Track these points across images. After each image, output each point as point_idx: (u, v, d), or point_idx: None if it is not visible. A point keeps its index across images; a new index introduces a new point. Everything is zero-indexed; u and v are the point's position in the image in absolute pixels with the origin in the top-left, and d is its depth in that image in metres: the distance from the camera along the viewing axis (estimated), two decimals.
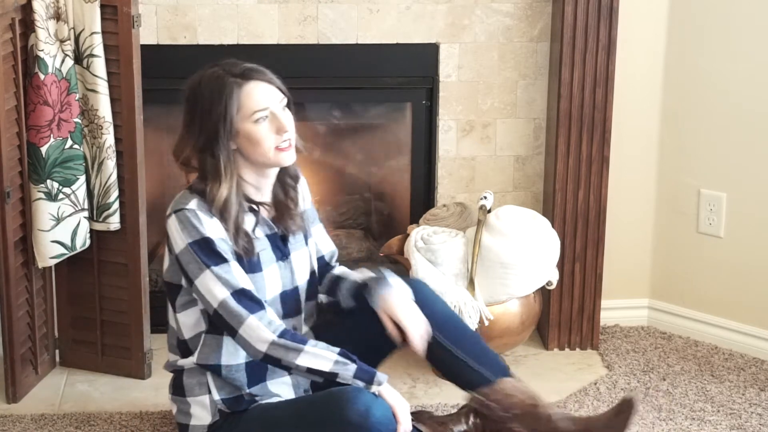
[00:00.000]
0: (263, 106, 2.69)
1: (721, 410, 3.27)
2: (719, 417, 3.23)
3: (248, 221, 2.76)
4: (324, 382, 2.64)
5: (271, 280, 2.78)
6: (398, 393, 2.66)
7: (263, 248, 2.77)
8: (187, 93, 2.74)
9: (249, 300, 2.65)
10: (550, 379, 3.46)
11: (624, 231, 3.74)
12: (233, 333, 2.65)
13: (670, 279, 3.78)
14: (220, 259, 2.65)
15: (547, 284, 3.41)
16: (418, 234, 3.42)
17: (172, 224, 2.68)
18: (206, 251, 2.65)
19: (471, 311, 3.29)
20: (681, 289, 3.77)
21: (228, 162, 2.68)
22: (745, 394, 3.36)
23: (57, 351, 3.50)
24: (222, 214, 2.68)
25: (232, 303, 2.63)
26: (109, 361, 3.46)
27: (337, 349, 2.65)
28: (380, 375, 2.64)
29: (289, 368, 2.64)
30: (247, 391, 2.76)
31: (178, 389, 2.82)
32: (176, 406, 2.84)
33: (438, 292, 3.28)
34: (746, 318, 3.65)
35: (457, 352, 2.84)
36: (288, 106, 2.75)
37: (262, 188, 2.79)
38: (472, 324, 3.28)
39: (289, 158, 2.74)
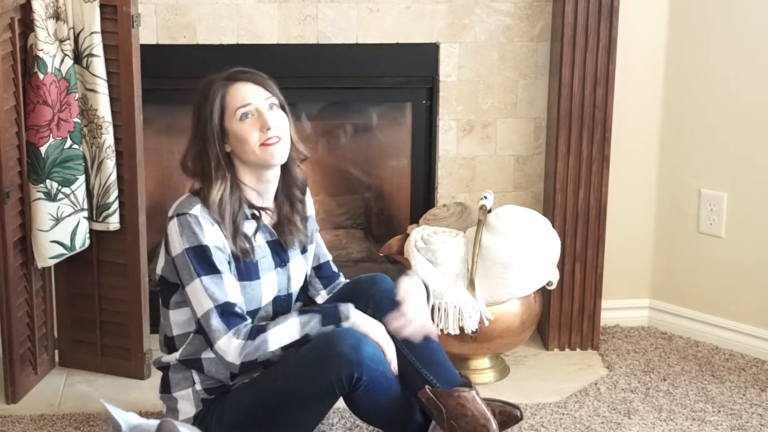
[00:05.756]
0: (246, 102, 2.73)
1: (722, 411, 3.26)
2: (720, 417, 3.22)
3: (248, 226, 2.77)
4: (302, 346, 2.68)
5: (268, 287, 2.81)
6: (368, 317, 2.71)
7: (263, 255, 2.80)
8: (193, 104, 2.81)
9: (231, 314, 2.68)
10: (550, 380, 3.46)
11: (624, 231, 3.73)
12: (210, 345, 2.70)
13: (671, 279, 3.78)
14: (213, 270, 2.68)
15: (547, 284, 3.41)
16: (418, 234, 3.41)
17: (173, 227, 2.71)
18: (200, 259, 2.67)
19: (471, 311, 3.29)
20: (681, 290, 3.76)
21: (219, 164, 2.73)
22: (745, 395, 3.36)
23: (56, 351, 3.49)
24: (219, 215, 2.71)
25: (214, 316, 2.67)
26: (109, 361, 3.45)
27: (294, 313, 2.70)
28: (342, 306, 2.69)
29: (267, 360, 2.67)
30: (231, 383, 2.79)
31: (165, 387, 2.86)
32: (165, 405, 2.87)
33: (438, 292, 3.29)
34: (747, 318, 3.64)
35: (406, 353, 2.82)
36: (282, 108, 2.77)
37: (263, 194, 2.81)
38: (473, 324, 3.27)
39: (276, 155, 2.75)
